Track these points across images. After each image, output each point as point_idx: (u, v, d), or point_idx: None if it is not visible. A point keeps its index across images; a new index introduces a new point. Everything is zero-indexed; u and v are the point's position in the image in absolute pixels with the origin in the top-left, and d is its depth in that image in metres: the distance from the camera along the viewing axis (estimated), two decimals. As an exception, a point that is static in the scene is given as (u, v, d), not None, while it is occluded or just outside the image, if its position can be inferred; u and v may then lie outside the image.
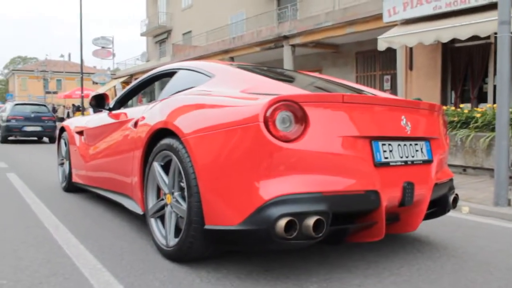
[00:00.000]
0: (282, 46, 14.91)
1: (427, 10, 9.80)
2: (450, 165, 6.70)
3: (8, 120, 14.65)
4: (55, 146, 13.65)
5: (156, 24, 32.23)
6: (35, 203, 4.40)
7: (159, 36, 33.09)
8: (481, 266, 2.68)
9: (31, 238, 3.13)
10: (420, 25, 9.84)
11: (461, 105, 7.79)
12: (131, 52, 56.20)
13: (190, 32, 28.69)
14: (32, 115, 15.12)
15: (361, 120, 2.39)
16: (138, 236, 3.22)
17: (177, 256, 2.58)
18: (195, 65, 3.37)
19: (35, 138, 16.07)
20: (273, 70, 3.66)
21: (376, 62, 14.78)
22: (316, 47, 14.96)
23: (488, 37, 9.52)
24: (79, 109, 26.55)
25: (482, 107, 7.76)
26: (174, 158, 2.59)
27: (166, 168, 2.79)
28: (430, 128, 2.84)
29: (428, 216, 2.91)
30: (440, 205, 2.97)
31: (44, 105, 17.13)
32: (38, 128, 15.14)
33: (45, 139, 16.05)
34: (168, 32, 31.77)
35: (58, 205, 4.30)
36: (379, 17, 11.19)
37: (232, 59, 17.33)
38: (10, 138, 15.15)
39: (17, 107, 15.58)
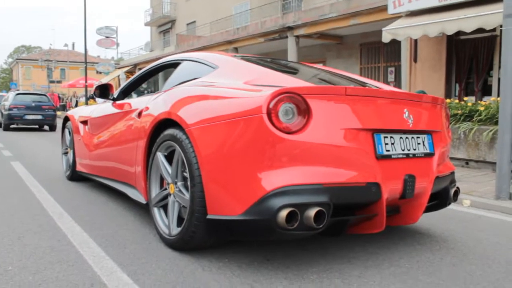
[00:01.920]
0: (286, 37, 14.87)
1: (433, 1, 9.74)
2: (452, 158, 6.72)
3: (10, 109, 15.18)
4: (55, 134, 13.97)
5: (160, 14, 32.18)
6: (39, 191, 4.44)
7: (163, 26, 33.05)
8: (480, 259, 2.71)
9: (36, 226, 3.17)
10: (425, 17, 9.79)
11: (465, 98, 7.79)
12: (135, 42, 56.15)
13: (194, 22, 28.65)
14: (33, 104, 15.66)
15: (363, 113, 2.40)
16: (141, 225, 3.26)
17: (179, 245, 2.61)
18: (199, 56, 3.39)
19: (36, 126, 16.54)
20: (276, 62, 3.67)
21: (380, 54, 14.73)
22: (320, 38, 14.92)
23: (493, 30, 9.48)
24: (77, 101, 26.66)
25: (486, 100, 7.75)
26: (178, 148, 2.61)
27: (169, 158, 2.82)
28: (432, 121, 2.85)
29: (429, 209, 2.93)
30: (441, 198, 2.99)
31: (45, 95, 17.57)
32: (39, 117, 15.69)
33: (46, 127, 16.52)
34: (172, 22, 31.72)
35: (62, 194, 4.34)
36: (383, 8, 11.14)
37: (236, 49, 17.30)
38: (12, 126, 15.65)
39: (18, 96, 16.13)
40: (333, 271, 2.39)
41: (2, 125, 15.62)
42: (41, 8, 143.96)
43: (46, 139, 12.18)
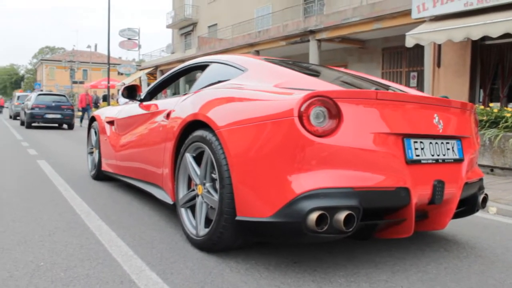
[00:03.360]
0: (308, 40, 14.86)
1: (458, 6, 9.64)
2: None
3: (32, 108, 16.44)
4: (75, 133, 14.43)
5: (182, 17, 32.41)
6: (66, 190, 4.52)
7: (185, 29, 33.28)
8: (509, 268, 2.66)
9: (64, 224, 3.23)
10: (449, 22, 9.69)
11: (491, 104, 7.67)
12: (157, 44, 56.74)
13: (215, 25, 28.79)
14: (53, 104, 16.91)
15: (393, 117, 2.40)
16: (167, 225, 3.29)
17: (206, 246, 2.63)
18: (228, 58, 3.41)
19: (56, 125, 17.77)
20: (304, 65, 3.67)
21: (402, 58, 14.61)
22: (342, 42, 14.88)
23: (520, 35, 9.33)
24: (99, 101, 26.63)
25: (512, 106, 7.63)
26: (207, 149, 2.63)
27: (197, 159, 2.84)
28: (462, 127, 2.83)
29: (456, 215, 2.90)
30: (469, 204, 2.95)
31: (64, 95, 18.85)
32: (58, 116, 16.86)
33: (64, 125, 17.77)
34: (194, 24, 31.93)
35: (88, 193, 4.41)
36: (407, 13, 11.07)
37: (257, 52, 17.35)
38: (33, 124, 16.94)
39: (40, 97, 17.44)
40: (360, 275, 2.39)
41: (25, 123, 16.83)
42: (65, 8, 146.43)
43: (67, 137, 12.62)
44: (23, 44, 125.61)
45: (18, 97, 26.22)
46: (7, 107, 39.40)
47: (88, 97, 20.49)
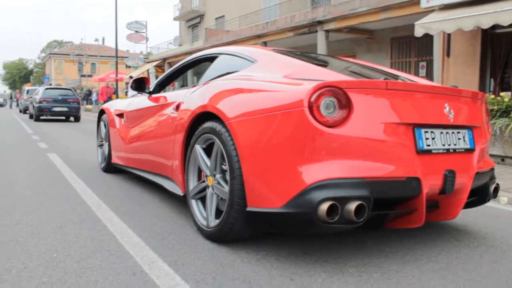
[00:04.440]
0: (316, 31, 14.78)
1: (468, -6, 9.52)
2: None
3: (40, 102, 17.23)
4: (82, 125, 14.77)
5: (189, 9, 32.37)
6: (76, 182, 4.56)
7: (192, 21, 33.24)
8: (521, 257, 2.65)
9: (76, 216, 3.26)
10: (459, 11, 9.57)
11: (502, 93, 7.59)
12: (164, 36, 56.79)
13: (223, 16, 28.71)
14: (60, 98, 17.65)
15: (404, 107, 2.38)
16: (178, 216, 3.31)
17: (217, 236, 2.64)
18: (237, 50, 3.40)
19: (63, 117, 18.43)
20: (312, 56, 3.66)
21: (411, 48, 14.50)
22: (350, 32, 14.79)
23: (531, 23, 9.20)
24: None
25: (523, 95, 7.54)
26: (217, 141, 2.64)
27: (207, 151, 2.85)
28: (473, 116, 2.80)
29: (468, 205, 2.88)
30: (481, 194, 2.94)
31: (70, 89, 19.63)
32: (65, 109, 17.61)
33: (71, 118, 18.42)
34: (201, 16, 31.87)
35: (99, 185, 4.45)
36: (415, 2, 10.96)
37: (265, 44, 17.29)
38: (41, 117, 17.73)
39: (47, 91, 18.18)
40: (371, 265, 2.39)
41: (34, 116, 17.61)
42: (71, 4, 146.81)
43: (75, 129, 12.90)
44: (31, 38, 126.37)
45: (28, 91, 26.43)
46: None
47: (109, 89, 20.55)
